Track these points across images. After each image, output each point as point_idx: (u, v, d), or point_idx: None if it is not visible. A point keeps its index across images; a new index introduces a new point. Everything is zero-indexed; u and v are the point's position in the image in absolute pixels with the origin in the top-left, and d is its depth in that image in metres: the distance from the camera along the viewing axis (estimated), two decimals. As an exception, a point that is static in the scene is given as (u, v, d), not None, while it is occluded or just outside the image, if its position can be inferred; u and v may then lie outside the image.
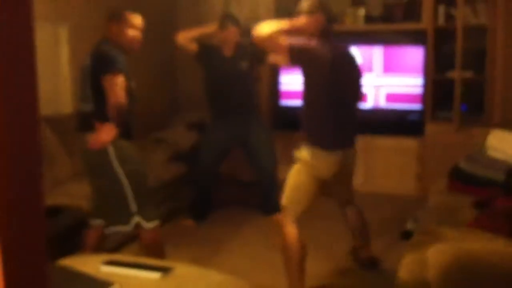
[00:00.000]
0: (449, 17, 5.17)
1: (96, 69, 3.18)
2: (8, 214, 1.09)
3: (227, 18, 4.58)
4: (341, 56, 3.21)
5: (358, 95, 3.38)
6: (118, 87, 3.11)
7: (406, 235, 3.90)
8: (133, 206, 3.19)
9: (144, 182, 3.29)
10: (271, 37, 3.04)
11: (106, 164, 3.19)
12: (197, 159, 4.73)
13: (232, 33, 4.52)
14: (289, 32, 3.10)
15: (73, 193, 3.90)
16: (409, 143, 5.35)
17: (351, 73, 3.27)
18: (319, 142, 3.13)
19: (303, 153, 3.15)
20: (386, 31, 5.45)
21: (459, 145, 4.89)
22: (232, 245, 4.18)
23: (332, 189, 3.41)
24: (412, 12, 5.35)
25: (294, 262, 3.11)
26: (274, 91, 5.82)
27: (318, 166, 3.14)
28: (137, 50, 3.39)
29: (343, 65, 3.18)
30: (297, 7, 3.20)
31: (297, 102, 5.58)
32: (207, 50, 4.58)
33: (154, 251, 3.25)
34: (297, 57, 3.08)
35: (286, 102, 5.76)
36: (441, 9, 5.16)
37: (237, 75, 4.58)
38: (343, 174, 3.31)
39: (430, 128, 5.26)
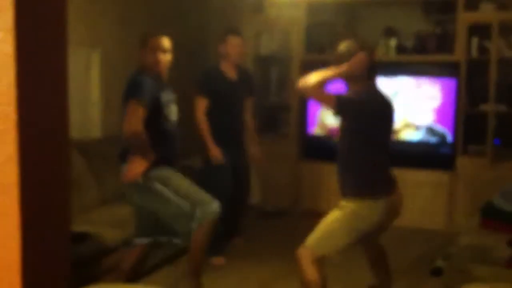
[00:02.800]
0: (483, 49, 5.11)
1: (123, 96, 3.23)
2: (34, 239, 1.06)
3: (227, 30, 4.45)
4: (382, 102, 3.15)
5: (389, 139, 3.32)
6: (134, 114, 3.14)
7: (436, 273, 3.79)
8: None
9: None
10: (318, 88, 3.01)
11: (143, 191, 3.32)
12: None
13: (235, 45, 4.38)
14: (335, 79, 3.07)
15: (98, 221, 3.88)
16: (439, 177, 5.24)
17: (391, 119, 3.21)
18: (364, 192, 3.04)
19: (352, 205, 3.03)
20: (418, 62, 5.40)
21: (492, 180, 4.78)
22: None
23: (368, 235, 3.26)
24: (445, 43, 5.29)
25: None
26: (302, 120, 5.78)
27: (364, 218, 3.03)
28: (163, 73, 3.40)
29: (384, 111, 3.14)
30: (336, 50, 3.13)
31: (325, 133, 5.62)
32: (210, 78, 4.40)
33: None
34: (345, 109, 3.05)
35: (313, 131, 5.71)
36: (475, 41, 5.10)
37: (239, 100, 4.47)
38: (387, 221, 3.19)
39: (462, 162, 5.16)
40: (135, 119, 3.14)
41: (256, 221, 5.35)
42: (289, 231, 4.92)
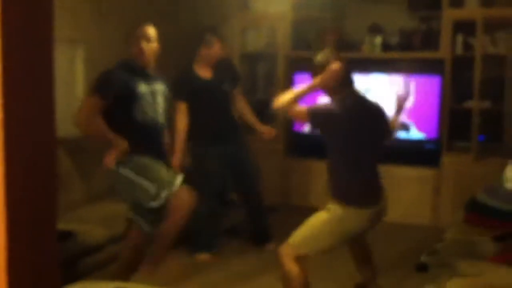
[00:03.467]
0: (467, 46, 5.14)
1: None
2: (20, 237, 1.05)
3: (211, 33, 4.37)
4: (364, 109, 3.14)
5: (382, 148, 3.30)
6: (85, 106, 3.30)
7: (422, 268, 3.81)
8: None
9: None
10: (291, 106, 3.06)
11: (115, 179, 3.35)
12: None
13: (218, 48, 4.34)
14: (309, 93, 3.11)
15: (84, 218, 3.86)
16: (425, 173, 5.28)
17: (377, 124, 3.21)
18: (350, 199, 3.03)
19: (337, 209, 3.03)
20: (403, 59, 5.43)
21: (476, 176, 4.82)
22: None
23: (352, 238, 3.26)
24: (430, 40, 5.32)
25: None
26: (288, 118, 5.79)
27: (350, 224, 3.04)
28: (148, 62, 3.34)
29: (366, 117, 3.13)
30: (313, 61, 3.16)
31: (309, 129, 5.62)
32: (185, 81, 4.35)
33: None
34: (317, 122, 3.10)
35: (299, 128, 5.73)
36: (459, 38, 5.14)
37: (221, 97, 4.42)
38: (371, 226, 3.18)
39: (447, 158, 5.20)
40: (85, 111, 3.26)
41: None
42: (277, 227, 4.91)
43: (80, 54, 4.74)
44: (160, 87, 3.41)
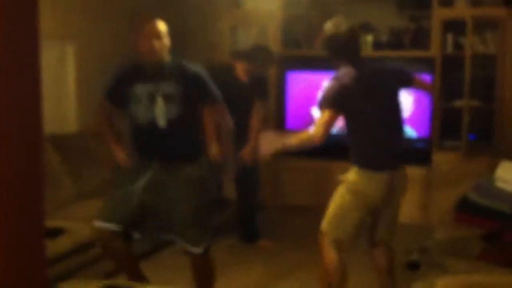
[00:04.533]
0: (458, 45, 5.16)
1: None
2: (7, 235, 1.04)
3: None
4: (369, 81, 3.13)
5: (398, 114, 3.23)
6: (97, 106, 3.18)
7: (412, 266, 3.82)
8: None
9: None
10: (309, 140, 3.09)
11: None
12: None
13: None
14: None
15: (74, 216, 3.85)
16: (415, 172, 5.28)
17: (385, 93, 3.19)
18: (366, 163, 3.07)
19: (351, 175, 3.08)
20: (393, 58, 5.43)
21: (467, 174, 4.83)
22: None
23: (377, 219, 3.25)
24: (420, 39, 5.34)
25: None
26: (281, 115, 5.79)
27: (367, 188, 3.06)
28: (159, 60, 3.02)
29: (373, 88, 3.12)
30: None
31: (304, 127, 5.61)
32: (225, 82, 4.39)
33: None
34: (340, 105, 3.04)
35: (292, 126, 5.73)
36: (450, 37, 5.15)
37: (247, 100, 4.57)
38: (391, 201, 3.17)
39: (437, 157, 5.21)
40: (96, 111, 3.20)
41: (235, 216, 5.34)
42: (268, 225, 4.92)
43: (71, 52, 4.71)
44: (165, 88, 3.01)
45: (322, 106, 3.04)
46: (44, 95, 1.27)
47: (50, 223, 3.41)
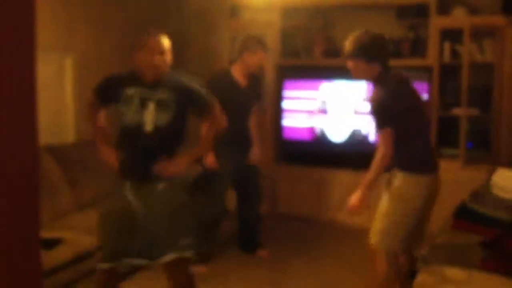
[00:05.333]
0: (455, 54, 5.18)
1: None
2: (2, 246, 1.04)
3: (257, 42, 4.44)
4: (406, 86, 3.23)
5: (428, 118, 3.36)
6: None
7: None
8: None
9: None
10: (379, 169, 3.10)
11: None
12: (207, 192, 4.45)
13: (260, 58, 4.46)
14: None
15: (73, 226, 3.85)
16: (414, 180, 5.28)
17: (419, 98, 3.31)
18: (417, 167, 3.13)
19: (398, 182, 3.12)
20: (392, 67, 5.44)
21: (465, 182, 4.83)
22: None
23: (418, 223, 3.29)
24: (418, 48, 5.35)
25: None
26: (278, 124, 5.80)
27: (416, 192, 3.11)
28: (148, 76, 2.97)
29: (410, 94, 3.23)
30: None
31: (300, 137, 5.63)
32: (222, 83, 4.34)
33: None
34: (390, 116, 3.09)
35: (290, 135, 5.73)
36: (447, 46, 5.17)
37: (248, 107, 4.58)
38: (430, 203, 3.26)
39: (435, 165, 5.21)
40: (86, 109, 3.21)
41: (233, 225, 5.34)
42: (266, 234, 4.92)
43: (69, 63, 4.73)
44: (159, 95, 2.97)
45: (384, 124, 3.10)
46: (42, 105, 1.27)
47: (49, 233, 3.41)
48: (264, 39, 4.65)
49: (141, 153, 2.99)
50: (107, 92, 3.10)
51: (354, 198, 3.13)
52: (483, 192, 3.96)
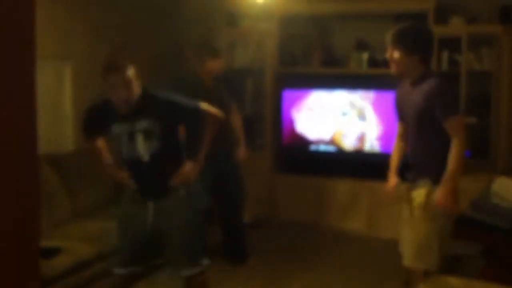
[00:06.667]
0: (453, 62, 5.18)
1: None
2: (1, 254, 1.04)
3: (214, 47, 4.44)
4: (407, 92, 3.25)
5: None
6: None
7: (408, 284, 3.80)
8: None
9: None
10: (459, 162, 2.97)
11: None
12: None
13: (222, 63, 4.39)
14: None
15: (71, 235, 3.83)
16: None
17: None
18: (441, 176, 2.99)
19: (428, 196, 3.01)
20: (389, 75, 5.45)
21: (464, 191, 4.81)
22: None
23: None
24: (416, 57, 5.35)
25: None
26: (277, 132, 5.80)
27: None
28: (122, 110, 2.97)
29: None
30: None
31: (301, 144, 5.63)
32: (190, 88, 4.02)
33: None
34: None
35: (289, 142, 5.73)
36: (445, 54, 5.18)
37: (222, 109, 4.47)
38: None
39: (434, 173, 5.20)
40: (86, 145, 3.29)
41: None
42: (266, 243, 4.90)
43: (68, 72, 4.72)
44: (142, 125, 2.97)
45: (456, 111, 3.05)
46: (41, 114, 1.27)
47: (48, 242, 3.39)
48: (215, 44, 4.64)
49: (148, 178, 3.09)
50: (94, 127, 3.18)
51: (441, 196, 2.97)
52: (482, 201, 3.96)
